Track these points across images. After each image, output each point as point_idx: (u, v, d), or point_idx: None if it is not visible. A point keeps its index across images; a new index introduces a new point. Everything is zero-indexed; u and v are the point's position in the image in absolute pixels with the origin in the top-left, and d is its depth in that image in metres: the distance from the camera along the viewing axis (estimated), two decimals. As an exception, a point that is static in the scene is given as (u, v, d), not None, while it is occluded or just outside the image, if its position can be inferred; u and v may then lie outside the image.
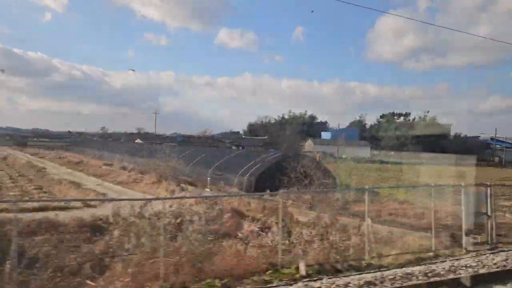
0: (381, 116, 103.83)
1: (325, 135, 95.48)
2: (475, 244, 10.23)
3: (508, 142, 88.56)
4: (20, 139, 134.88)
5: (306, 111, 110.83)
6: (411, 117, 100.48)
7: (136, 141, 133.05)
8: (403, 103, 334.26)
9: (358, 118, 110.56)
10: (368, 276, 7.58)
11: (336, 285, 7.03)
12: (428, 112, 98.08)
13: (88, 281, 6.91)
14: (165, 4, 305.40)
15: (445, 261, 8.94)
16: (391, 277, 7.55)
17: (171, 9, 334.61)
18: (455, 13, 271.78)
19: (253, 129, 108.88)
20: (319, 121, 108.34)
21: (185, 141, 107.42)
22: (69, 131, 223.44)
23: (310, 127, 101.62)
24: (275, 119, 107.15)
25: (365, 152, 79.18)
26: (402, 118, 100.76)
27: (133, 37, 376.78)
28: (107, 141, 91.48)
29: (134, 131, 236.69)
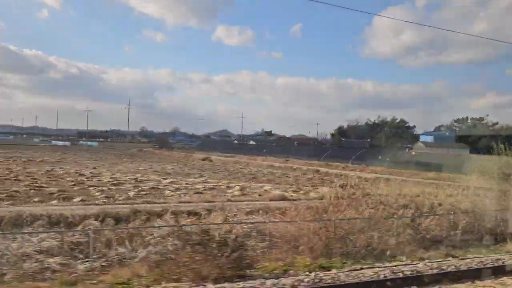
0: (456, 121, 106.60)
1: (426, 138, 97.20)
2: None
3: None
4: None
5: (394, 116, 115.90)
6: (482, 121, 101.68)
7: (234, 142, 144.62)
8: (401, 101, 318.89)
9: (445, 123, 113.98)
10: None
11: None
12: (487, 115, 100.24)
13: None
14: (163, 0, 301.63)
15: None
16: None
17: (169, 5, 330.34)
18: (454, 8, 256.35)
19: (342, 132, 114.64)
20: (408, 125, 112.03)
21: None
22: (106, 130, 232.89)
23: (404, 131, 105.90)
24: (367, 123, 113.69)
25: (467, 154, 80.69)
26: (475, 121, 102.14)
27: (131, 34, 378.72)
28: (244, 144, 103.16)
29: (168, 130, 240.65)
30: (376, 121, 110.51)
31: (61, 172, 29.38)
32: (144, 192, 19.75)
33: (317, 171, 39.22)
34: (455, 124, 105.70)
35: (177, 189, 21.81)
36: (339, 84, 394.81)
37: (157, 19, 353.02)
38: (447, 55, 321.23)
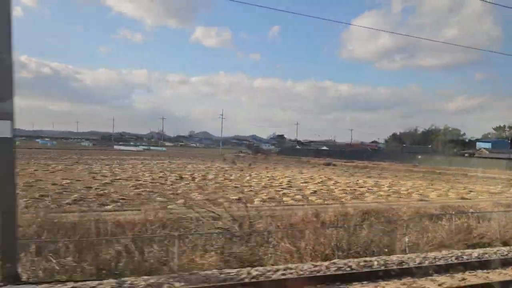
0: (494, 129, 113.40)
1: (483, 144, 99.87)
2: None
3: None
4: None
5: (446, 124, 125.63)
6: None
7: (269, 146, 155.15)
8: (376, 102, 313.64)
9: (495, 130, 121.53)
10: None
11: None
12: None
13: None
14: (142, 0, 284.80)
15: None
16: None
17: (148, 5, 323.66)
18: (427, 14, 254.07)
19: (397, 138, 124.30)
20: (462, 132, 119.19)
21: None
22: (121, 132, 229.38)
23: (457, 138, 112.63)
24: (422, 130, 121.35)
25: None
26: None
27: (108, 34, 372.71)
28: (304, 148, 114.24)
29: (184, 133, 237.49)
30: (429, 129, 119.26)
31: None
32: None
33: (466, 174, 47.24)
34: (494, 131, 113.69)
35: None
36: (317, 86, 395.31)
37: (135, 19, 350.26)
38: (421, 59, 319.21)
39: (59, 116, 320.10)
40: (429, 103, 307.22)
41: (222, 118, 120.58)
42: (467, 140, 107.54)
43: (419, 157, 74.10)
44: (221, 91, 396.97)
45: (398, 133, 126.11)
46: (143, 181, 26.18)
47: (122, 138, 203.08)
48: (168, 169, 39.61)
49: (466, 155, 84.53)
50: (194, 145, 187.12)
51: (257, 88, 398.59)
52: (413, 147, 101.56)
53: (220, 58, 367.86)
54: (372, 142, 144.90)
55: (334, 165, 60.00)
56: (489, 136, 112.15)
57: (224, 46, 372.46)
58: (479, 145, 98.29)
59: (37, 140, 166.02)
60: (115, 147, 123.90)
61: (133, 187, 22.54)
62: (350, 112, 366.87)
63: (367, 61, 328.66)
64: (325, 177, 36.46)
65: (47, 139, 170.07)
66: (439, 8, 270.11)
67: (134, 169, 37.81)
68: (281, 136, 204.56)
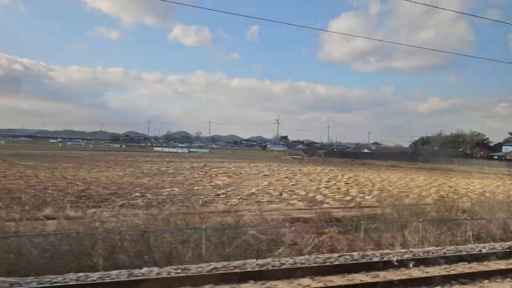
0: (510, 133, 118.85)
1: (507, 147, 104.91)
2: None
3: None
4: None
5: (471, 129, 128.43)
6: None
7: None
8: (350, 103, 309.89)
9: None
10: None
11: None
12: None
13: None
14: None
15: None
16: None
17: (126, 2, 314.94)
18: (402, 17, 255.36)
19: (424, 142, 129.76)
20: (486, 137, 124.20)
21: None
22: (127, 135, 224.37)
23: (482, 142, 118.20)
24: (447, 135, 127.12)
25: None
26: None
27: (82, 30, 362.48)
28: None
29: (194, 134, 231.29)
30: (456, 133, 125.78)
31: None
32: None
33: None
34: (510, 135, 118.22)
35: None
36: (294, 87, 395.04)
37: (111, 16, 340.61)
38: (396, 61, 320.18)
39: (29, 114, 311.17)
40: (403, 104, 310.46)
41: (278, 123, 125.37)
42: (491, 144, 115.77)
43: (474, 161, 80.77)
44: (198, 91, 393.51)
45: (425, 137, 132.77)
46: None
47: (133, 139, 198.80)
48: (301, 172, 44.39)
49: (495, 157, 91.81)
50: (214, 146, 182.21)
51: (235, 88, 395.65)
52: (445, 150, 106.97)
53: (199, 57, 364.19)
54: (396, 145, 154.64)
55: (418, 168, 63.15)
56: (510, 140, 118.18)
57: (203, 45, 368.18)
58: (506, 148, 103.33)
59: (52, 140, 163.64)
60: (155, 148, 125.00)
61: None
62: (326, 112, 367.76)
63: (342, 62, 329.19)
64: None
65: (59, 139, 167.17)
66: (415, 12, 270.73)
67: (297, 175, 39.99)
68: (285, 137, 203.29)
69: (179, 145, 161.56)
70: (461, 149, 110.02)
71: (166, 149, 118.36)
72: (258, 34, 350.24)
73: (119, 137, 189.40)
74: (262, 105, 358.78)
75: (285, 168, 50.54)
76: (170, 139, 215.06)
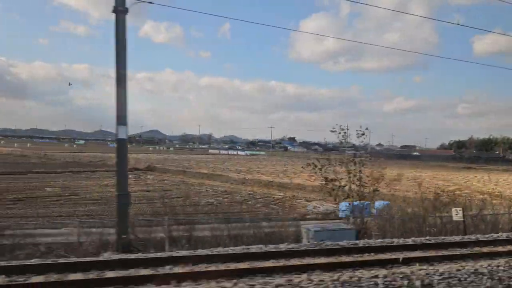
0: None
1: None
2: None
3: None
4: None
5: (501, 133, 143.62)
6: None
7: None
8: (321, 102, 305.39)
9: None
10: None
11: None
12: None
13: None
14: None
15: None
16: None
17: None
18: (372, 18, 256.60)
19: (460, 145, 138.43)
20: None
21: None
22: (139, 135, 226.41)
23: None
24: (481, 139, 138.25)
25: None
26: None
27: (47, 25, 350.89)
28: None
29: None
30: (488, 138, 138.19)
31: None
32: None
33: None
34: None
35: None
36: (264, 86, 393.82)
37: (79, 11, 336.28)
38: (364, 62, 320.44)
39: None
40: (369, 103, 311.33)
41: (369, 131, 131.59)
42: None
43: None
44: (167, 89, 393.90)
45: (459, 140, 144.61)
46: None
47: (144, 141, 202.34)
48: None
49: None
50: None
51: (204, 86, 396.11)
52: (484, 153, 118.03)
53: (169, 54, 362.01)
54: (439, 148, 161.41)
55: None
56: None
57: (174, 43, 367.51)
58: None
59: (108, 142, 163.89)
60: (210, 151, 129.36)
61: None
62: (295, 112, 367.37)
63: (313, 62, 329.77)
64: None
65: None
66: (382, 14, 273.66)
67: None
68: (293, 139, 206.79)
69: (238, 147, 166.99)
70: (497, 152, 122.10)
71: (224, 152, 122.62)
72: (230, 33, 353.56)
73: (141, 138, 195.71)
74: (231, 104, 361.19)
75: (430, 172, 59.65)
76: (188, 141, 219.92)
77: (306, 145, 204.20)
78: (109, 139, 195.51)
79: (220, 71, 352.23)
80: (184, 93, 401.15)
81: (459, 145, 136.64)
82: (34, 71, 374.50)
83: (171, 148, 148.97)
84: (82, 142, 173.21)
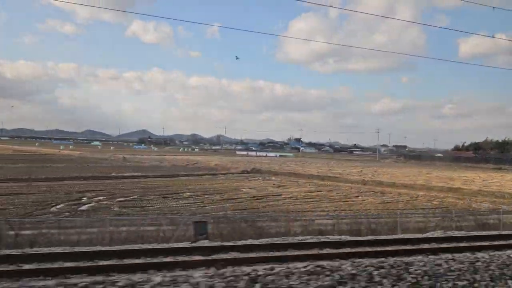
0: None
1: None
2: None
3: None
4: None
5: None
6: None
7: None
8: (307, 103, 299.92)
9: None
10: None
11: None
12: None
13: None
14: None
15: None
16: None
17: None
18: (360, 20, 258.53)
19: (477, 147, 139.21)
20: None
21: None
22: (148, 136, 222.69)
23: None
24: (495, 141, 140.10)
25: None
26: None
27: (33, 23, 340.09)
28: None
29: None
30: (505, 139, 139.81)
31: None
32: None
33: None
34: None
35: None
36: (252, 86, 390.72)
37: (66, 9, 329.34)
38: (353, 63, 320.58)
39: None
40: (358, 104, 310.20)
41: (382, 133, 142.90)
42: None
43: None
44: (155, 88, 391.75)
45: (476, 142, 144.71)
46: None
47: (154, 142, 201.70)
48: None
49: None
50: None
51: (193, 86, 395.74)
52: (506, 155, 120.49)
53: (158, 54, 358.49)
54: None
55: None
56: None
57: (163, 42, 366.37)
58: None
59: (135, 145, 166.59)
60: (237, 152, 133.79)
61: None
62: (283, 112, 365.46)
63: (301, 63, 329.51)
64: None
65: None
66: (371, 16, 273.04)
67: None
68: (299, 140, 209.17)
69: (253, 148, 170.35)
70: None
71: (253, 153, 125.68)
72: (219, 32, 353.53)
73: (149, 140, 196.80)
74: (219, 103, 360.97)
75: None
76: (198, 142, 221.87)
77: (317, 146, 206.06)
78: (103, 139, 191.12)
79: (210, 70, 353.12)
80: (172, 92, 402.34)
81: (476, 147, 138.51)
82: (19, 69, 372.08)
83: (196, 149, 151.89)
84: (98, 143, 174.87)
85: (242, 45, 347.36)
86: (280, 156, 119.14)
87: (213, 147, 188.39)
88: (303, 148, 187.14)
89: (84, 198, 27.23)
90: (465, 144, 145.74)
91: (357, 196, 32.92)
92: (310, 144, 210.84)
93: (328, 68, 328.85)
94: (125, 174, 44.33)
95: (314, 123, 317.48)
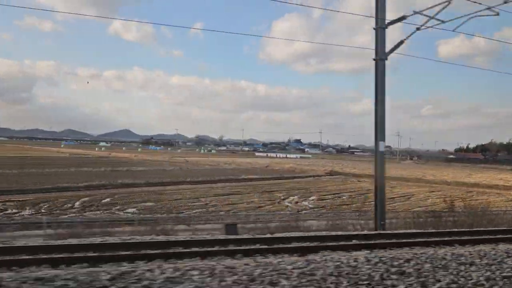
0: None
1: None
2: None
3: None
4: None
5: None
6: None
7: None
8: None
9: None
10: None
11: None
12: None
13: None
14: None
15: None
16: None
17: None
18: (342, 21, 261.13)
19: (484, 149, 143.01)
20: None
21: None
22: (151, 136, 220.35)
23: None
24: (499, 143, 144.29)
25: None
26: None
27: (10, 19, 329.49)
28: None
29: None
30: (510, 141, 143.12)
31: None
32: None
33: None
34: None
35: None
36: (235, 86, 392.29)
37: (45, 6, 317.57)
38: (333, 63, 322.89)
39: None
40: (338, 104, 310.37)
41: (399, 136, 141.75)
42: None
43: None
44: (136, 87, 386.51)
45: (483, 144, 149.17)
46: None
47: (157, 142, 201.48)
48: None
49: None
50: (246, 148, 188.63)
51: (175, 85, 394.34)
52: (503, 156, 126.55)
53: (138, 53, 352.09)
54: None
55: None
56: None
57: (145, 41, 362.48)
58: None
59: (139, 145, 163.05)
60: (256, 154, 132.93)
61: None
62: (265, 112, 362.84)
63: (283, 63, 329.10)
64: None
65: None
66: (353, 17, 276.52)
67: None
68: (299, 141, 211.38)
69: (260, 149, 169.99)
70: None
71: (273, 155, 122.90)
72: (202, 31, 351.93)
73: (151, 140, 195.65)
74: (201, 103, 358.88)
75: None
76: (202, 143, 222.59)
77: (321, 147, 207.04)
78: (88, 139, 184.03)
79: (193, 70, 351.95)
80: (153, 91, 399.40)
81: (482, 149, 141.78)
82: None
83: (213, 151, 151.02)
84: (104, 144, 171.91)
85: (225, 44, 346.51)
86: (301, 157, 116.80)
87: (219, 148, 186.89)
88: (307, 149, 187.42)
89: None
90: (470, 146, 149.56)
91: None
92: (311, 145, 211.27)
93: (309, 69, 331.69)
94: (252, 177, 47.06)
95: (293, 123, 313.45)
